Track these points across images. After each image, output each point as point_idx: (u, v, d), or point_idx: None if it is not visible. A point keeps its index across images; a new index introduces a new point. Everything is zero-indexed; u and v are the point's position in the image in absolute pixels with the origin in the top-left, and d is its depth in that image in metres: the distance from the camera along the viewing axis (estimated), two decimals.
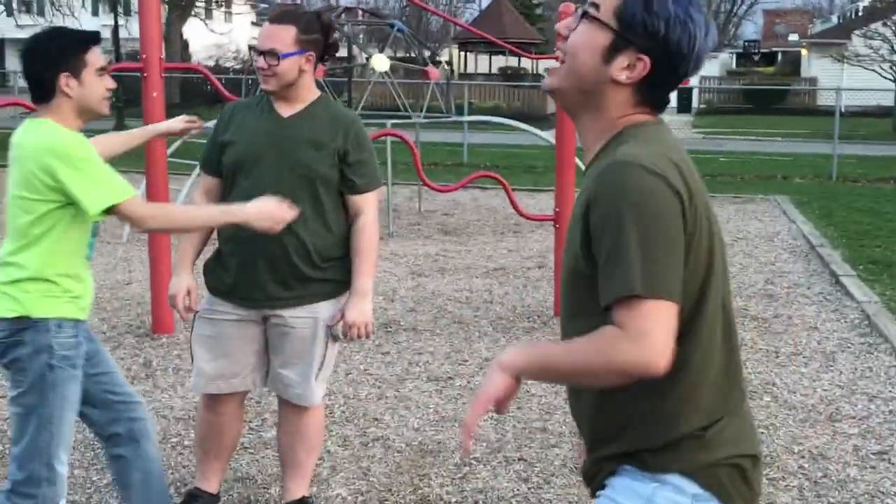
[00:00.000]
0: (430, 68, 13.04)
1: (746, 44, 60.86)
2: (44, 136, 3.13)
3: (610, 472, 2.01)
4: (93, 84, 3.22)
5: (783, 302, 8.09)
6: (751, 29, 71.37)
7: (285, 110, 3.71)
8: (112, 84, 3.32)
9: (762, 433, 5.11)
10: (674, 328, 1.79)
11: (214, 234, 3.79)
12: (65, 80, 3.16)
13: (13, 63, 50.08)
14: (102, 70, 3.25)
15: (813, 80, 42.49)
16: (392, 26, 13.65)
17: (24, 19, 38.00)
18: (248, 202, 3.29)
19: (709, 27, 1.94)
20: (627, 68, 1.89)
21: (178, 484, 4.39)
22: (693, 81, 44.42)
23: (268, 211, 3.22)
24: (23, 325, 3.17)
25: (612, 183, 1.83)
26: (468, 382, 5.87)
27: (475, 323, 7.33)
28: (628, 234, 1.77)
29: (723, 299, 1.97)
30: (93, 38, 3.28)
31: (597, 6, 1.89)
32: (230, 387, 3.81)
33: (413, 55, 18.48)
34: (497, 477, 4.51)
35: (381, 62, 12.21)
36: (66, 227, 3.17)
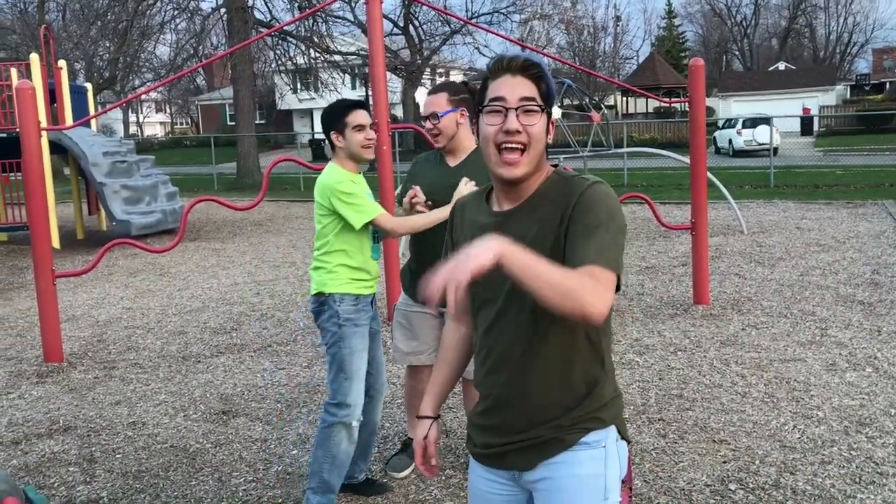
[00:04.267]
0: (593, 113, 12.82)
1: (859, 77, 56.94)
2: (325, 175, 3.46)
3: (559, 443, 1.82)
4: (352, 137, 3.43)
5: (886, 289, 7.44)
6: (862, 65, 66.38)
7: (451, 161, 3.68)
8: (370, 135, 3.47)
9: (864, 398, 4.73)
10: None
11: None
12: (335, 137, 3.46)
13: (298, 126, 52.84)
14: (360, 127, 3.43)
15: None
16: (563, 83, 13.52)
17: (303, 95, 39.99)
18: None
19: None
20: (551, 131, 1.85)
21: (400, 435, 4.48)
22: (814, 110, 41.89)
23: (458, 194, 3.35)
24: (321, 299, 3.49)
25: (598, 192, 1.76)
26: (620, 358, 5.72)
27: (629, 311, 7.12)
28: (615, 225, 1.73)
29: None
30: (352, 105, 3.48)
31: (533, 99, 1.76)
32: (419, 361, 3.85)
33: (581, 103, 18.22)
34: (641, 433, 4.36)
35: (554, 111, 12.15)
36: (339, 233, 3.45)
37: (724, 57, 66.28)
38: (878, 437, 4.17)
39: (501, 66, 1.79)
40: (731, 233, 11.27)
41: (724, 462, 3.95)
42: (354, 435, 3.50)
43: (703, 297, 7.24)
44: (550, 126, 1.84)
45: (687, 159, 11.03)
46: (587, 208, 1.74)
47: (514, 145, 1.76)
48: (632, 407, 4.73)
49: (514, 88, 1.76)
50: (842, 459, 3.92)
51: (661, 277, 8.48)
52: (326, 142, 3.56)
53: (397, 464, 4.00)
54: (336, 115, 3.44)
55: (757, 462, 3.93)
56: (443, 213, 3.45)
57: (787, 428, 4.34)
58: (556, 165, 1.88)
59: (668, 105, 40.18)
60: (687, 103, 7.30)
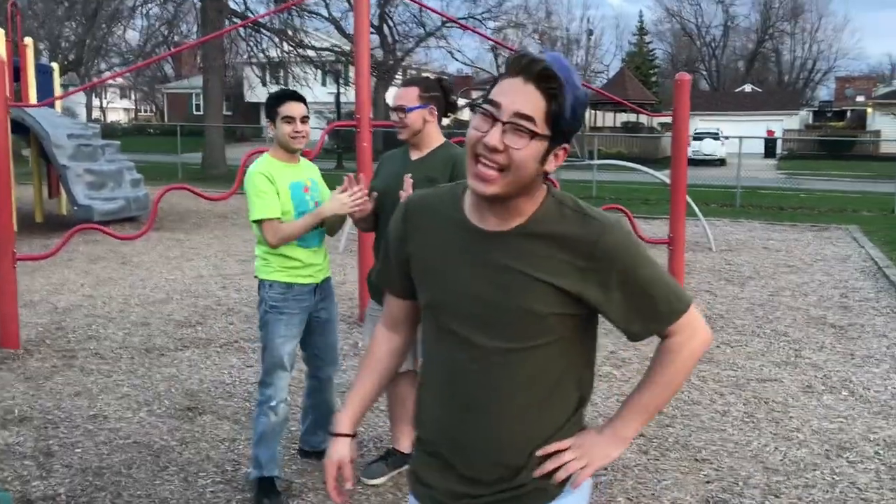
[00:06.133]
0: None
1: (821, 104, 58.10)
2: (253, 163, 3.59)
3: (542, 493, 1.61)
4: (281, 127, 3.52)
5: (856, 313, 7.48)
6: (825, 92, 67.80)
7: (415, 154, 3.57)
8: (298, 128, 3.53)
9: (842, 422, 4.69)
10: None
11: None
12: (269, 125, 3.59)
13: (266, 120, 52.24)
14: (289, 118, 3.51)
15: (877, 133, 40.22)
16: None
17: (273, 88, 39.59)
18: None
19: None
20: (556, 159, 1.54)
21: (376, 441, 4.33)
22: (777, 132, 42.61)
23: (336, 200, 3.41)
24: (258, 284, 3.63)
25: (624, 237, 1.54)
26: (598, 371, 5.63)
27: (603, 322, 7.04)
28: (653, 268, 1.57)
29: None
30: (284, 96, 3.57)
31: (531, 119, 1.46)
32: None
33: None
34: None
35: None
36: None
37: (692, 76, 67.08)
38: (860, 462, 4.12)
39: (519, 64, 1.48)
40: (700, 249, 11.30)
41: (708, 482, 3.87)
42: (279, 413, 3.60)
43: None
44: (557, 155, 1.53)
45: (660, 174, 11.03)
46: (631, 264, 1.53)
47: (488, 163, 1.48)
48: None
49: (515, 98, 1.46)
50: (825, 484, 3.87)
51: None
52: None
53: (374, 471, 3.85)
54: (270, 105, 3.56)
55: (741, 483, 3.86)
56: (314, 218, 3.46)
57: (768, 449, 4.28)
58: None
59: (637, 120, 40.57)
60: (667, 118, 7.27)
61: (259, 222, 3.47)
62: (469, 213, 1.61)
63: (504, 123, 1.46)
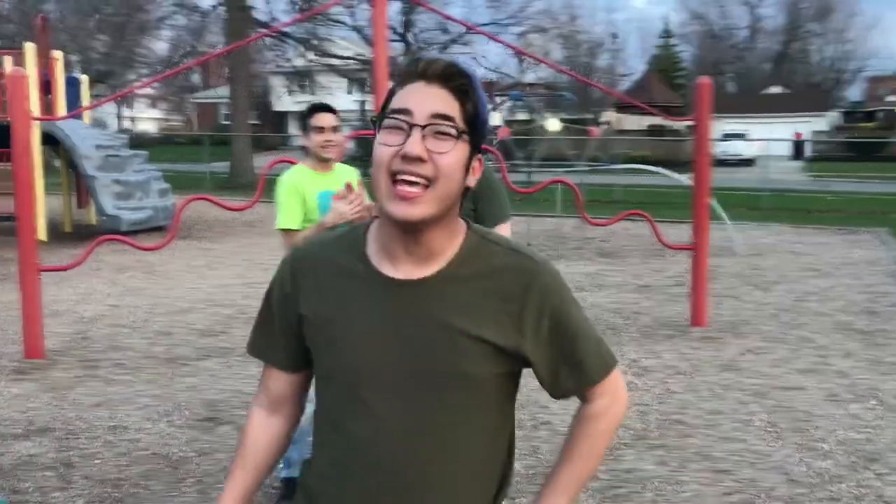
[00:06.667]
0: (592, 128, 12.71)
1: (851, 104, 57.32)
2: (284, 173, 3.63)
3: None
4: (312, 137, 3.61)
5: (884, 319, 7.33)
6: (855, 92, 66.86)
7: None
8: (327, 137, 3.59)
9: (870, 432, 4.58)
10: None
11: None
12: (303, 136, 3.67)
13: (292, 128, 52.66)
14: (319, 128, 3.60)
15: None
16: (563, 97, 13.40)
17: (299, 97, 39.81)
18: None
19: None
20: (474, 172, 1.32)
21: None
22: (806, 134, 42.07)
23: (335, 210, 3.38)
24: None
25: (554, 278, 1.36)
26: None
27: (625, 329, 6.98)
28: (584, 318, 1.39)
29: None
30: (314, 108, 3.68)
31: (450, 118, 1.27)
32: None
33: (580, 117, 18.12)
34: (642, 460, 4.20)
35: (553, 124, 12.01)
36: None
37: (718, 78, 66.55)
38: (888, 474, 4.02)
39: (414, 70, 1.29)
40: (726, 254, 11.16)
41: (729, 494, 3.80)
42: (307, 413, 3.50)
43: (701, 319, 7.10)
44: (476, 165, 1.32)
45: (682, 177, 10.92)
46: (565, 307, 1.35)
47: (412, 178, 1.24)
48: (631, 431, 4.57)
49: (424, 100, 1.26)
50: (851, 497, 3.77)
51: (656, 297, 8.34)
52: None
53: None
54: (303, 117, 3.67)
55: (763, 496, 3.78)
56: (317, 229, 3.40)
57: (792, 460, 4.19)
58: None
59: (662, 123, 40.30)
60: (692, 122, 7.19)
61: (281, 231, 3.57)
62: (376, 260, 1.35)
63: (423, 128, 1.25)
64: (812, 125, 45.06)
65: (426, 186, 1.26)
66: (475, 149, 1.31)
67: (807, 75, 66.30)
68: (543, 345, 1.35)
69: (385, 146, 1.27)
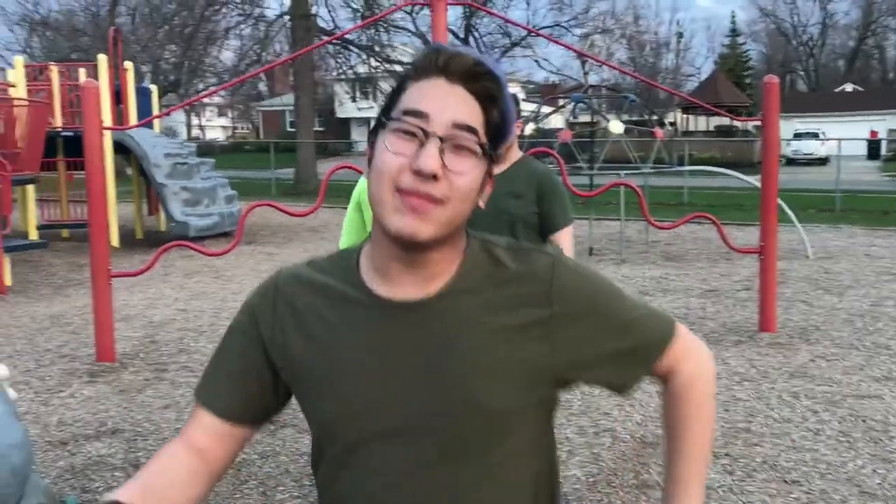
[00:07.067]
0: (657, 129, 12.51)
1: None
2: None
3: None
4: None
5: None
6: None
7: (496, 169, 3.44)
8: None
9: None
10: None
11: None
12: (367, 150, 3.42)
13: (356, 135, 53.31)
14: None
15: None
16: (626, 98, 13.25)
17: (362, 104, 40.24)
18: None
19: None
20: (487, 191, 1.14)
21: None
22: (882, 133, 40.69)
23: None
24: None
25: (574, 279, 1.15)
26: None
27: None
28: (622, 297, 1.19)
29: None
30: None
31: (474, 131, 1.06)
32: None
33: (644, 119, 17.87)
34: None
35: (616, 126, 11.86)
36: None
37: (789, 77, 64.92)
38: None
39: (434, 63, 1.07)
40: (796, 257, 10.84)
41: None
42: None
43: (770, 325, 6.91)
44: (488, 182, 1.13)
45: (752, 179, 10.67)
46: (594, 300, 1.15)
47: (421, 197, 1.04)
48: None
49: (445, 104, 1.05)
50: None
51: (724, 301, 8.15)
52: None
53: None
54: (370, 130, 3.58)
55: None
56: None
57: (865, 472, 4.03)
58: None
59: (730, 124, 39.48)
60: (759, 122, 7.02)
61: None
62: (372, 282, 1.15)
63: (442, 140, 1.04)
64: (888, 123, 43.58)
65: (436, 204, 1.05)
66: (490, 166, 1.12)
67: (882, 72, 64.15)
68: (588, 345, 1.14)
69: (392, 154, 1.06)
